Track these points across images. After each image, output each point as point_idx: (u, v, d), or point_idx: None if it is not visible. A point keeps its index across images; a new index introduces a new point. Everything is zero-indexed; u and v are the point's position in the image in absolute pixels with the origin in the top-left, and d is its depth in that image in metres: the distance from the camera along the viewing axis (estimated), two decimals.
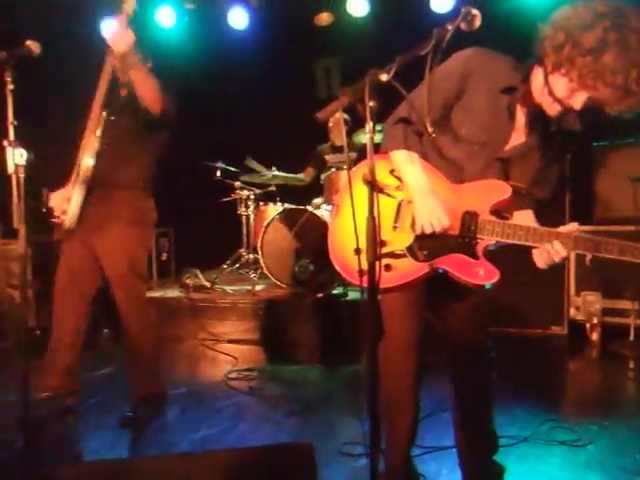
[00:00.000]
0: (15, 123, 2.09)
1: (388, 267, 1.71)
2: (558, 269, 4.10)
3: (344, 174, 4.52)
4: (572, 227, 1.62)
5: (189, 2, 5.22)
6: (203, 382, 3.49)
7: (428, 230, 1.69)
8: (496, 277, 1.66)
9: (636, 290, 3.84)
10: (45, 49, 2.28)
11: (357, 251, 1.43)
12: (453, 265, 1.70)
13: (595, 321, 4.01)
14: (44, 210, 2.77)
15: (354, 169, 1.91)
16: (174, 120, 2.78)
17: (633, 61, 1.41)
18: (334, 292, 4.31)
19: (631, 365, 3.60)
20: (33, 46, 2.22)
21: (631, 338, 3.78)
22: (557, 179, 1.82)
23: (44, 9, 4.65)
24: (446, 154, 1.77)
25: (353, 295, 4.28)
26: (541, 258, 1.64)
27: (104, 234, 2.76)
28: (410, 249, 1.74)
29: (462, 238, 1.70)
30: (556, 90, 1.55)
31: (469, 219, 1.70)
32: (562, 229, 1.62)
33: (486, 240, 1.69)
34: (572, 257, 4.08)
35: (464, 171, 1.76)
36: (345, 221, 1.80)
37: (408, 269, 1.73)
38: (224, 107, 5.68)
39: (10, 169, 2.09)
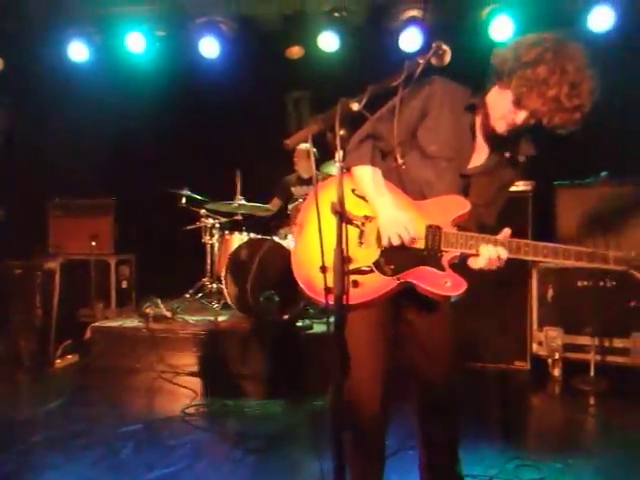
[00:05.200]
0: None
1: (355, 283, 1.70)
2: (522, 304, 4.15)
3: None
4: (506, 233, 1.70)
5: (160, 29, 5.21)
6: (160, 417, 3.33)
7: (395, 241, 1.71)
8: (463, 287, 1.67)
9: (595, 326, 3.91)
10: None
11: (323, 269, 1.41)
12: (420, 278, 1.70)
13: (557, 356, 4.04)
14: None
15: (320, 188, 1.89)
16: None
17: (566, 79, 1.54)
18: (299, 324, 4.24)
19: (591, 401, 3.63)
20: None
21: (591, 373, 3.83)
22: (502, 207, 1.90)
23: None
24: (415, 174, 1.81)
25: (318, 328, 4.21)
26: (480, 263, 1.68)
27: None
28: (377, 264, 1.74)
29: (427, 251, 1.73)
30: (500, 105, 1.68)
31: (433, 232, 1.74)
32: (500, 236, 1.70)
33: (451, 252, 1.72)
34: (534, 293, 4.14)
35: (432, 188, 1.80)
36: (310, 239, 1.79)
37: (376, 284, 1.72)
38: (192, 134, 5.64)
39: None
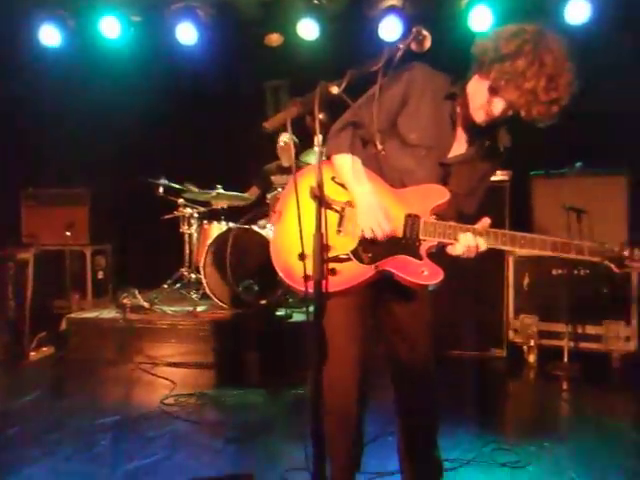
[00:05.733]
0: None
1: (333, 271, 1.70)
2: (498, 292, 4.21)
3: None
4: (485, 222, 1.71)
5: (135, 14, 5.10)
6: (138, 409, 3.30)
7: (369, 234, 1.72)
8: (440, 276, 1.68)
9: (569, 313, 3.99)
10: None
11: (302, 256, 1.40)
12: (398, 266, 1.71)
13: (532, 343, 4.12)
14: None
15: (299, 176, 1.88)
16: None
17: (544, 72, 1.54)
18: (278, 314, 4.23)
19: (565, 386, 3.72)
20: None
21: (565, 359, 3.91)
22: (483, 196, 1.90)
23: None
24: (395, 162, 1.81)
25: (297, 317, 4.21)
26: (458, 250, 1.70)
27: None
28: (355, 252, 1.74)
29: (405, 240, 1.74)
30: (479, 95, 1.68)
31: (411, 221, 1.74)
32: (479, 225, 1.71)
33: (429, 241, 1.73)
34: (511, 281, 4.21)
35: (412, 177, 1.80)
36: (289, 227, 1.78)
37: (354, 272, 1.72)
38: (170, 122, 5.55)
39: None
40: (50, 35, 5.18)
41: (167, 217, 5.06)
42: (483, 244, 1.67)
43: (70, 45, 5.26)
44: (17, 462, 2.56)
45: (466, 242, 1.67)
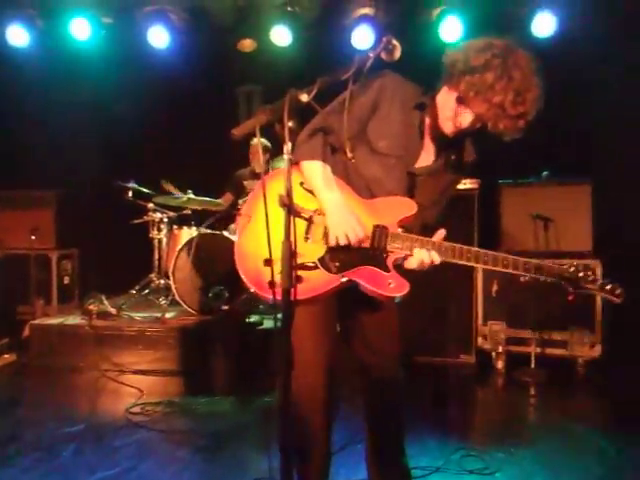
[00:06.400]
0: None
1: (299, 279, 1.67)
2: (467, 299, 4.26)
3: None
4: (440, 235, 1.73)
5: (106, 16, 5.01)
6: (103, 418, 3.22)
7: (343, 241, 1.70)
8: (406, 289, 1.68)
9: (536, 320, 4.06)
10: None
11: (268, 262, 1.38)
12: (365, 277, 1.70)
13: (500, 350, 4.19)
14: None
15: (267, 180, 1.86)
16: None
17: (512, 87, 1.57)
18: (249, 320, 4.20)
19: (532, 392, 3.78)
20: None
21: (532, 365, 3.98)
22: (445, 208, 1.92)
23: None
24: (363, 170, 1.81)
25: (268, 323, 4.18)
26: (412, 264, 1.71)
27: None
28: (322, 261, 1.73)
29: (373, 250, 1.73)
30: (448, 106, 1.70)
31: (379, 232, 1.74)
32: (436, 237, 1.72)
33: (396, 253, 1.73)
34: (480, 288, 4.26)
35: (380, 185, 1.80)
36: (255, 232, 1.77)
37: (320, 281, 1.71)
38: (140, 126, 5.47)
39: None
40: (18, 35, 5.05)
41: (136, 221, 4.96)
42: (437, 257, 1.69)
43: (38, 46, 5.14)
44: None
45: (420, 256, 1.68)
